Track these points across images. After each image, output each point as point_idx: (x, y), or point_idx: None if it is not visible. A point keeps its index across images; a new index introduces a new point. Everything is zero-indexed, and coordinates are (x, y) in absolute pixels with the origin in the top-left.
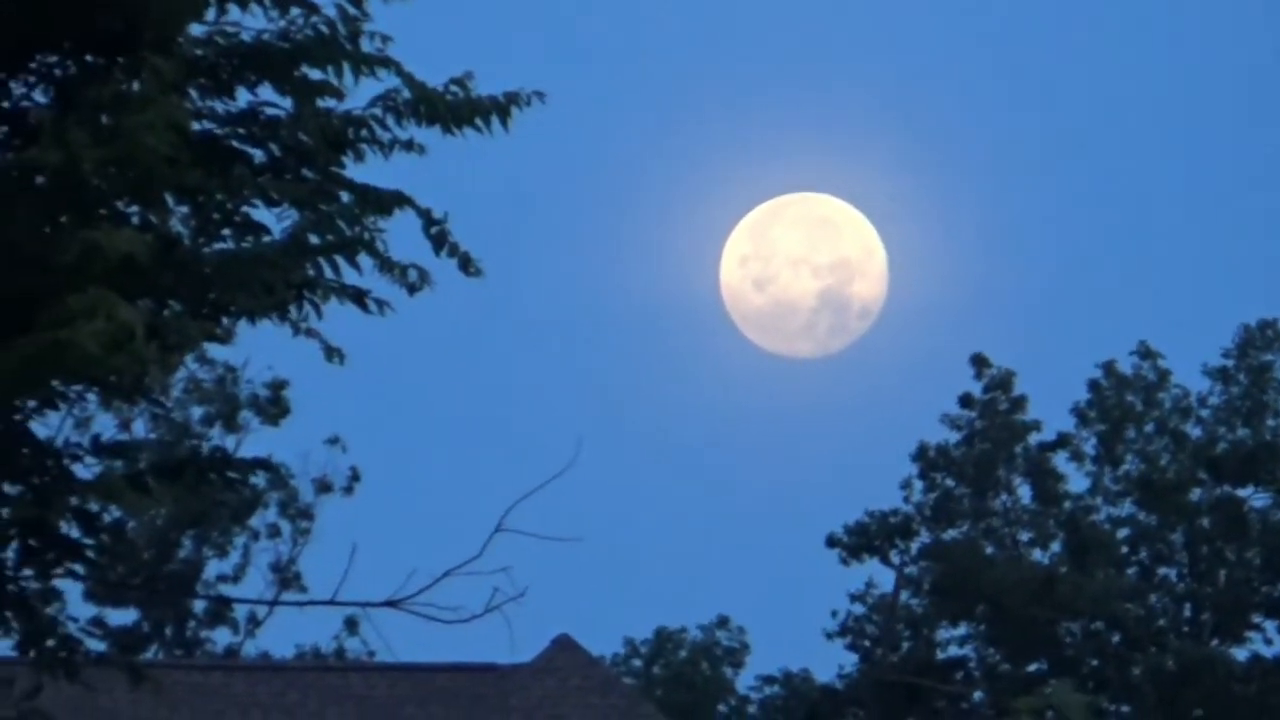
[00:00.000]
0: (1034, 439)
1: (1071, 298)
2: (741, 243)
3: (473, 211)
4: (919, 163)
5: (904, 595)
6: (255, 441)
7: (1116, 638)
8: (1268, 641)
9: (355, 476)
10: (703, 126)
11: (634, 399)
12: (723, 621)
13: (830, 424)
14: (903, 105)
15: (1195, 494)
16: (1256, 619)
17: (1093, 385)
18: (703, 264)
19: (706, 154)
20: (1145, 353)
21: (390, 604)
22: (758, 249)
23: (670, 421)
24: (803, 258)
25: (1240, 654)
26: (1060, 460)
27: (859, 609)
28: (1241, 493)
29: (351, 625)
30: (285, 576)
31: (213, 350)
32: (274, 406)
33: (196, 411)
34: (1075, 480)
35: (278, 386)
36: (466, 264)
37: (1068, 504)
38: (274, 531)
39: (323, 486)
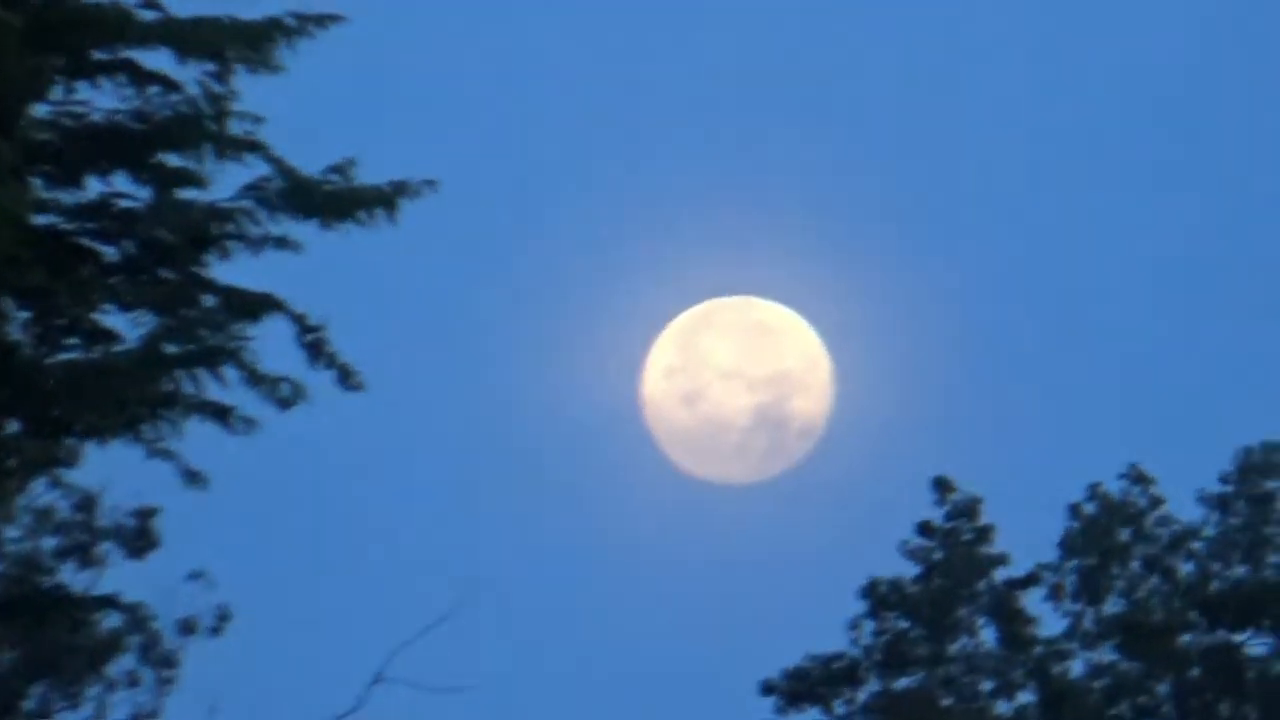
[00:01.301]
0: (1000, 574)
1: (1046, 416)
2: (667, 352)
3: (355, 316)
4: (869, 263)
5: None
6: (116, 577)
7: None
8: None
9: (224, 616)
10: (624, 221)
11: (538, 530)
12: None
13: (766, 557)
14: (849, 200)
15: (1185, 639)
16: None
17: (1074, 511)
18: (622, 377)
19: (627, 253)
20: (1137, 477)
21: None
22: (685, 360)
23: (581, 556)
24: (736, 370)
25: None
26: (1035, 599)
27: None
28: (1237, 638)
29: None
30: None
31: (70, 473)
32: (140, 538)
33: (49, 542)
34: (1051, 621)
35: (145, 514)
36: (346, 376)
37: (1039, 648)
38: (133, 679)
39: (187, 628)
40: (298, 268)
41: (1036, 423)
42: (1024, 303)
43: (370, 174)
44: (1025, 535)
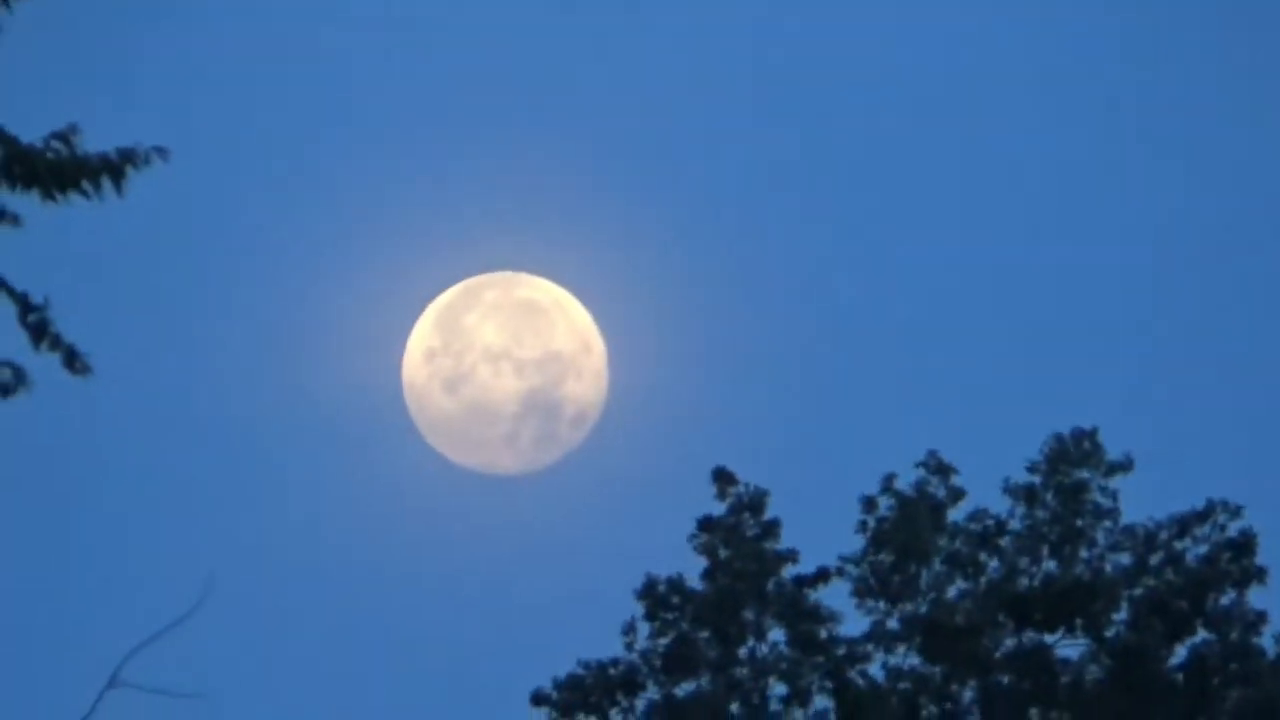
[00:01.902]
0: (790, 572)
1: (840, 402)
2: (428, 334)
3: (84, 295)
4: (646, 236)
5: None
6: None
7: None
8: None
9: None
10: (380, 190)
11: (288, 525)
12: None
13: (538, 553)
14: (627, 169)
15: (991, 640)
16: None
17: (868, 504)
18: (380, 359)
19: (384, 225)
20: (936, 466)
21: None
22: (448, 342)
23: (336, 553)
24: (503, 352)
25: None
26: (839, 597)
27: None
28: (1048, 639)
29: None
30: None
31: None
32: None
33: None
34: (854, 622)
35: None
36: (72, 359)
37: (841, 650)
38: None
39: None
40: (17, 243)
41: (830, 408)
42: (811, 283)
43: (96, 142)
44: (823, 529)
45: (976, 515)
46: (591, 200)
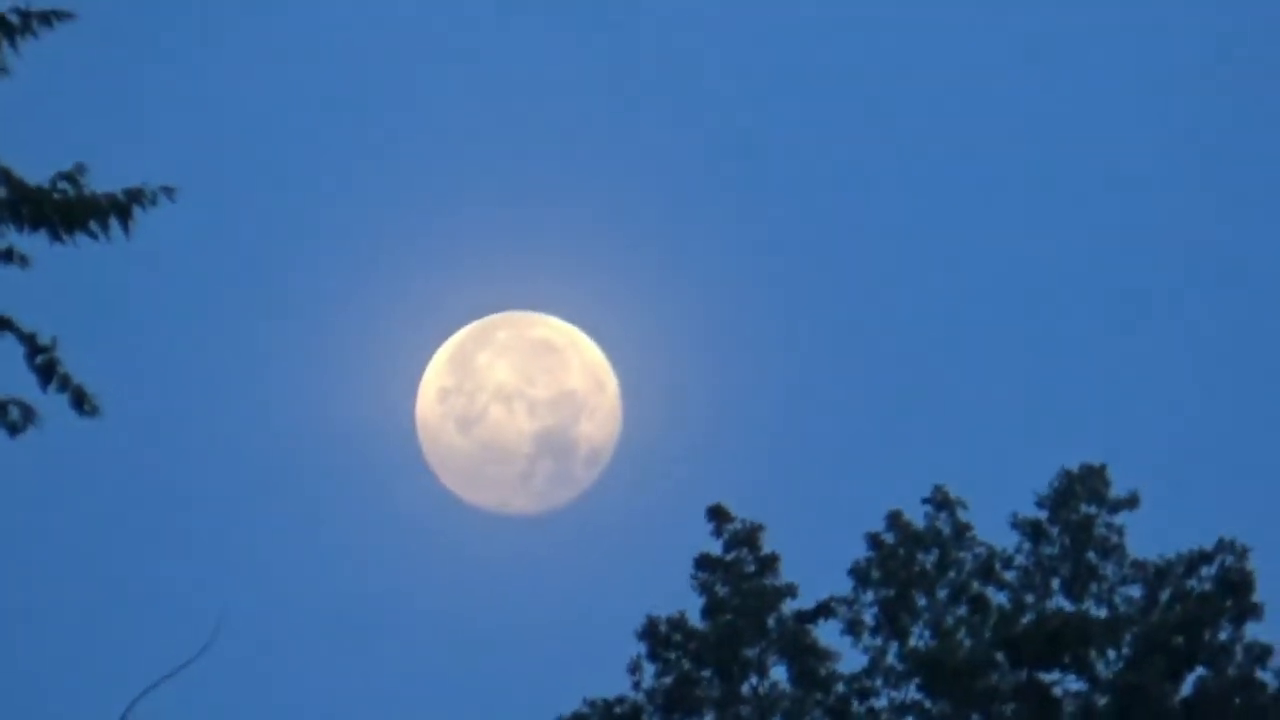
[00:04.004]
0: (790, 606)
1: (856, 437)
2: (441, 373)
3: (96, 331)
4: (659, 275)
5: None
6: None
7: None
8: None
9: None
10: (392, 230)
11: (301, 568)
12: None
13: (550, 595)
14: (636, 207)
15: (994, 676)
16: None
17: (873, 541)
18: (393, 399)
19: (397, 264)
20: (942, 501)
21: None
22: (461, 381)
23: (346, 596)
24: (517, 391)
25: None
26: (834, 634)
27: None
28: (1046, 677)
29: None
30: None
31: None
32: None
33: None
34: (852, 658)
35: None
36: (81, 399)
37: (841, 686)
38: None
39: None
40: (26, 282)
41: (841, 441)
42: (821, 319)
43: (103, 181)
44: (829, 564)
45: (987, 549)
46: (601, 239)
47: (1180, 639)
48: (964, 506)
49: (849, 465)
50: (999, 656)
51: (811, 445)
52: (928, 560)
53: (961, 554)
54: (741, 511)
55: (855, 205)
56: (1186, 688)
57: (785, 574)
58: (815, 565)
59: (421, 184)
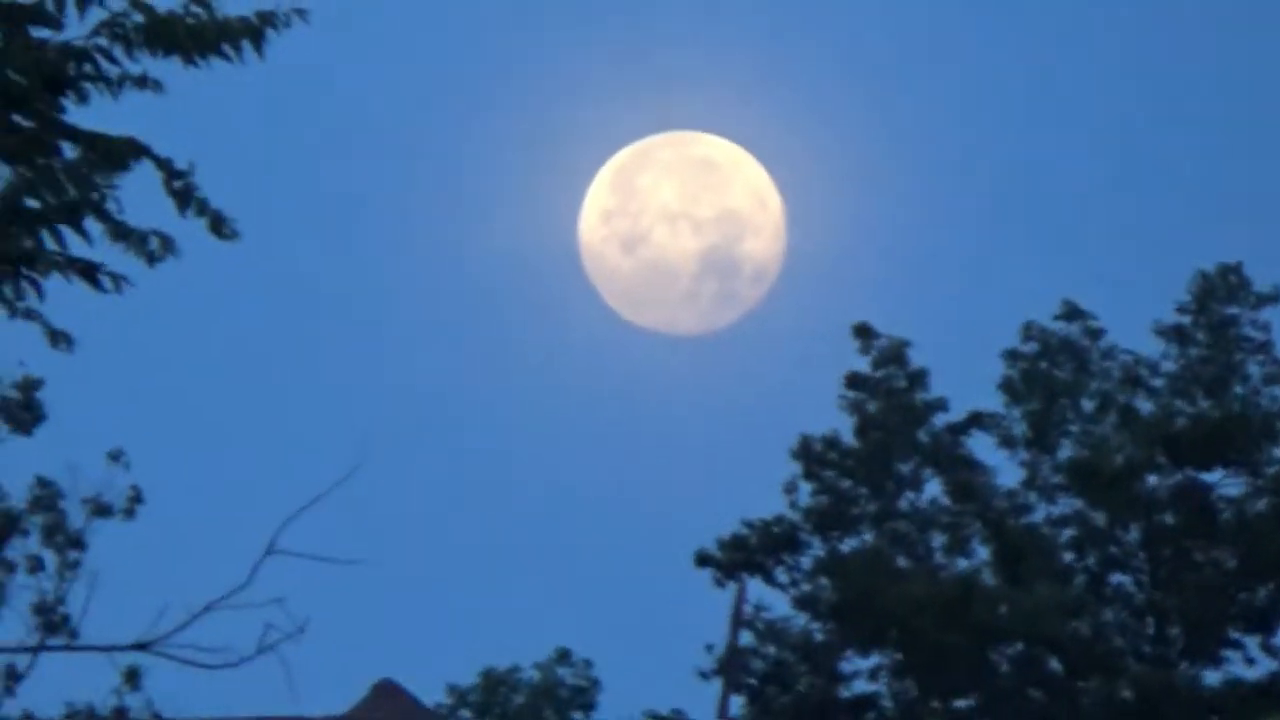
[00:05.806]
0: (940, 420)
1: (1010, 250)
2: (603, 195)
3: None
4: (821, 90)
5: (800, 620)
6: (4, 455)
7: (1056, 663)
8: (1248, 661)
9: (136, 497)
10: (551, 52)
11: (463, 390)
12: (563, 656)
13: (714, 415)
14: (803, 27)
15: (1151, 481)
16: (1233, 634)
17: (1011, 356)
18: (556, 221)
19: (555, 86)
20: (1071, 313)
21: (139, 647)
22: (624, 202)
23: (508, 416)
24: (681, 211)
25: (1213, 677)
26: (987, 447)
27: (741, 639)
28: (1208, 478)
29: (130, 677)
30: (51, 619)
31: None
32: (26, 411)
33: None
34: (1007, 472)
35: (28, 387)
36: (218, 225)
37: (995, 499)
38: (35, 565)
39: (98, 509)
40: (160, 110)
41: (1001, 259)
42: (981, 137)
43: (234, 5)
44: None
45: (1126, 357)
46: (767, 58)
47: None
48: (1093, 317)
49: (1005, 283)
50: (1156, 458)
51: (965, 265)
52: (1068, 371)
53: (1107, 363)
54: (894, 330)
55: (1023, 58)
56: None
57: (934, 389)
58: (966, 383)
59: (581, 6)
